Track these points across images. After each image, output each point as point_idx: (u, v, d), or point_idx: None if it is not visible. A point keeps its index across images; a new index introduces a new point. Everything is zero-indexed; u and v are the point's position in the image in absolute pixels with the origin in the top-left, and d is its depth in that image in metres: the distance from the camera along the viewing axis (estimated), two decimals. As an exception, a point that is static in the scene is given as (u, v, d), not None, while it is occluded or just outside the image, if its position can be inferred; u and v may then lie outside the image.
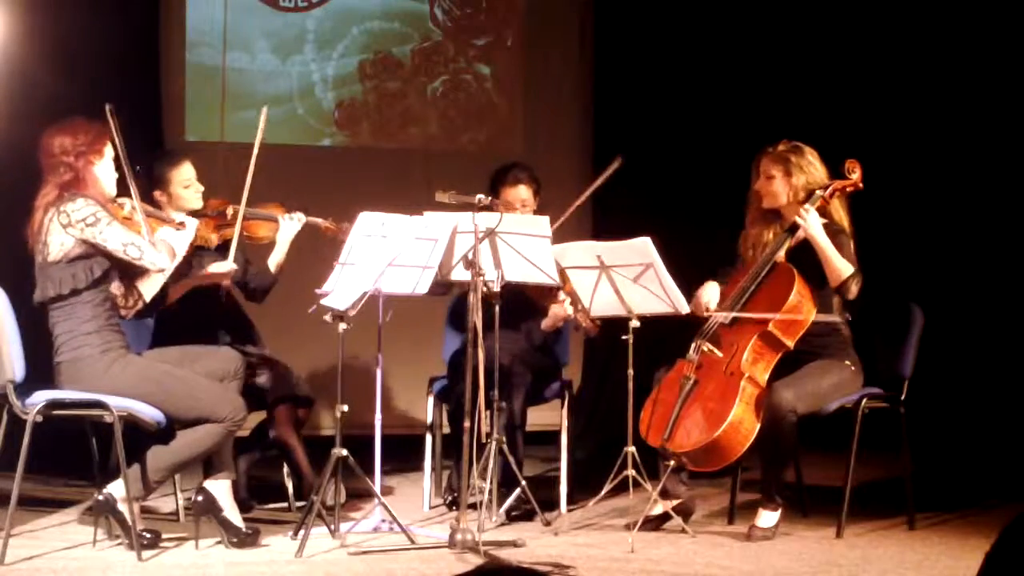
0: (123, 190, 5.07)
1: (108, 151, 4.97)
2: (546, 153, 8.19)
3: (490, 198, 5.48)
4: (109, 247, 4.79)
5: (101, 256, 4.82)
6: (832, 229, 5.32)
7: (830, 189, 5.36)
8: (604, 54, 8.30)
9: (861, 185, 5.40)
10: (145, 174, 5.57)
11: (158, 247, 4.86)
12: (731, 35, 8.05)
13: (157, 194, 5.57)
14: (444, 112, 8.33)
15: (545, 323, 5.88)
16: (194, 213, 5.51)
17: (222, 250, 5.56)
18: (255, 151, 5.49)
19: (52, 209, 4.82)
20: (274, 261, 5.74)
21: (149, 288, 5.06)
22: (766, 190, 5.43)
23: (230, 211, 5.55)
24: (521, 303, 5.76)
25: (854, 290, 5.28)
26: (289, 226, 5.66)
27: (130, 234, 4.82)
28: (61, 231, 4.80)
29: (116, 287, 4.95)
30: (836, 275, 5.25)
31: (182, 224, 5.22)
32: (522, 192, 5.91)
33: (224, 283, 5.57)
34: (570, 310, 5.71)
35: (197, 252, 5.51)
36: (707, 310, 5.40)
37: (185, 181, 5.57)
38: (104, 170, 4.97)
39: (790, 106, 7.66)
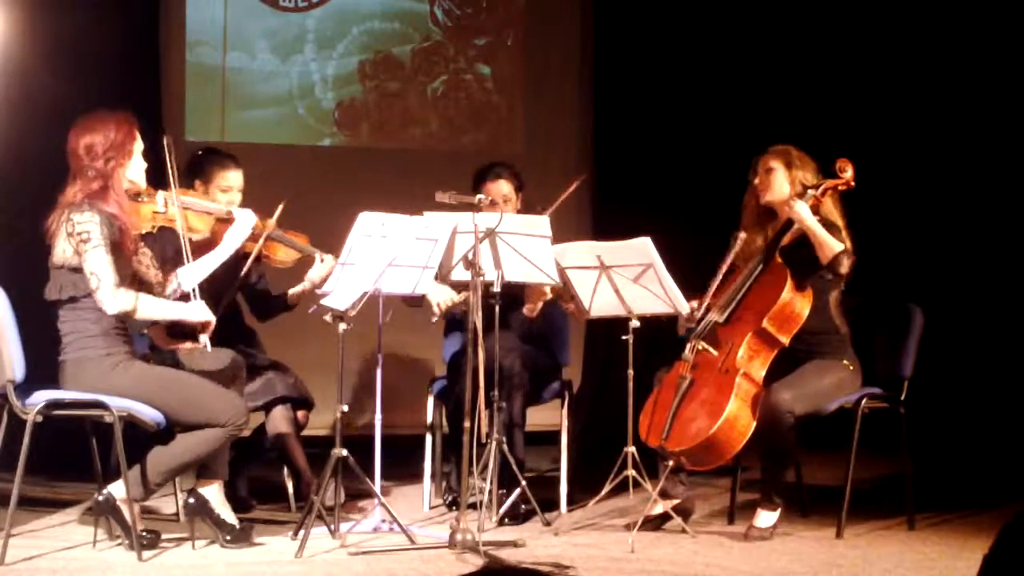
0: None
1: (137, 147, 4.96)
2: (546, 153, 8.19)
3: (489, 198, 5.49)
4: (84, 266, 4.76)
5: None
6: (824, 224, 5.33)
7: (822, 188, 5.38)
8: (604, 54, 8.29)
9: (853, 184, 5.41)
10: (193, 163, 5.61)
11: (117, 294, 4.74)
12: (731, 35, 8.05)
13: (197, 183, 5.58)
14: (444, 112, 8.33)
15: (524, 309, 5.87)
16: (223, 221, 5.46)
17: (240, 260, 5.54)
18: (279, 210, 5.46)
19: (67, 211, 4.82)
20: (296, 292, 5.68)
21: (192, 277, 5.04)
22: (765, 183, 5.44)
23: (259, 226, 5.52)
24: (508, 298, 5.74)
25: (846, 264, 5.27)
26: (321, 268, 5.53)
27: (105, 266, 4.74)
28: (65, 237, 4.80)
29: (153, 274, 4.95)
30: (827, 252, 5.25)
31: (230, 214, 5.22)
32: (503, 187, 5.93)
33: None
34: (548, 289, 5.69)
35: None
36: (690, 319, 5.40)
37: (224, 186, 5.57)
38: (134, 169, 4.96)
39: (790, 106, 7.66)
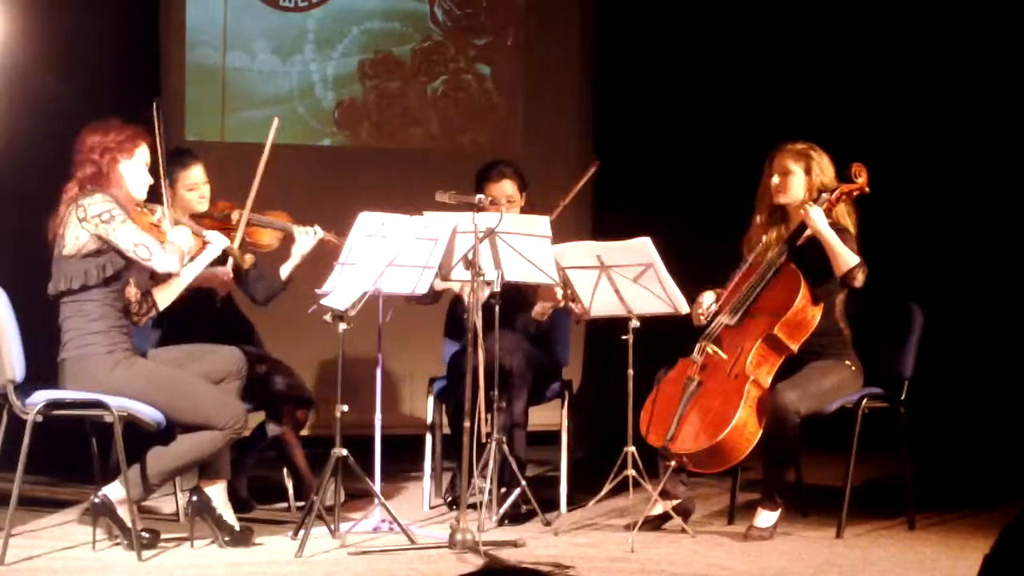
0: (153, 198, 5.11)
1: (140, 153, 4.95)
2: (546, 153, 8.18)
3: (489, 199, 5.48)
4: (120, 246, 4.78)
5: (115, 254, 4.82)
6: (835, 230, 5.31)
7: (836, 193, 5.34)
8: (604, 54, 8.30)
9: (867, 189, 5.38)
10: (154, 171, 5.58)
11: (168, 250, 4.84)
12: (732, 35, 8.05)
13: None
14: (444, 112, 8.33)
15: (535, 311, 5.87)
16: (199, 216, 5.50)
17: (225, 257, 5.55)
18: (263, 160, 5.47)
19: (73, 203, 4.82)
20: (286, 270, 5.68)
21: (164, 297, 5.06)
22: (783, 185, 5.40)
23: (235, 215, 5.53)
24: (514, 298, 5.74)
25: (860, 278, 5.25)
26: (305, 240, 5.57)
27: (142, 234, 4.79)
28: (77, 225, 4.80)
29: (132, 293, 4.95)
30: (842, 264, 5.23)
31: (208, 241, 5.22)
32: (507, 188, 5.91)
33: (221, 290, 5.54)
34: (559, 292, 5.69)
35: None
36: (703, 317, 5.40)
37: (191, 184, 5.55)
38: (132, 171, 4.94)
39: (790, 107, 7.66)
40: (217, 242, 5.25)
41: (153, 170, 5.03)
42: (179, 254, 4.87)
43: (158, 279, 5.09)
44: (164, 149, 5.10)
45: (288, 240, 5.62)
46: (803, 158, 5.38)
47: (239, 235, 5.49)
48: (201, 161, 5.64)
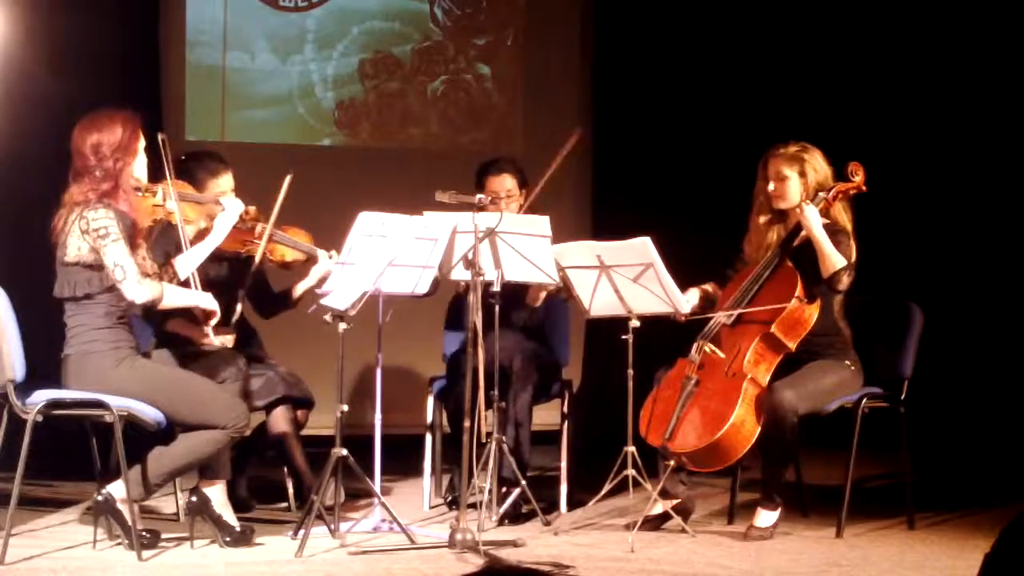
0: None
1: (140, 144, 4.96)
2: (546, 153, 8.15)
3: (489, 198, 5.48)
4: (105, 261, 4.78)
5: None
6: (832, 229, 5.32)
7: (833, 191, 5.35)
8: (604, 54, 8.30)
9: (864, 188, 5.38)
10: (182, 171, 5.52)
11: (144, 283, 4.77)
12: (732, 35, 8.05)
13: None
14: (444, 112, 8.33)
15: (529, 296, 5.85)
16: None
17: (247, 263, 5.54)
18: (277, 207, 5.45)
19: (78, 209, 4.82)
20: (301, 289, 5.69)
21: (185, 267, 5.05)
22: (779, 191, 5.40)
23: (258, 228, 5.51)
24: (510, 295, 5.73)
25: (845, 281, 5.27)
26: (329, 263, 5.55)
27: (127, 257, 4.76)
28: (79, 235, 4.80)
29: (150, 265, 4.95)
30: (829, 266, 5.24)
31: (219, 203, 5.22)
32: (507, 182, 5.92)
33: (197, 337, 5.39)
34: None
35: (217, 260, 5.49)
36: (683, 316, 5.39)
37: (219, 192, 5.49)
38: (139, 167, 4.97)
39: (790, 107, 7.66)
40: (231, 206, 5.25)
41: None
42: (157, 291, 4.81)
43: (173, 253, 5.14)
44: (173, 175, 5.10)
45: (310, 261, 5.62)
46: (796, 162, 5.39)
47: (260, 250, 5.48)
48: (231, 168, 5.60)
